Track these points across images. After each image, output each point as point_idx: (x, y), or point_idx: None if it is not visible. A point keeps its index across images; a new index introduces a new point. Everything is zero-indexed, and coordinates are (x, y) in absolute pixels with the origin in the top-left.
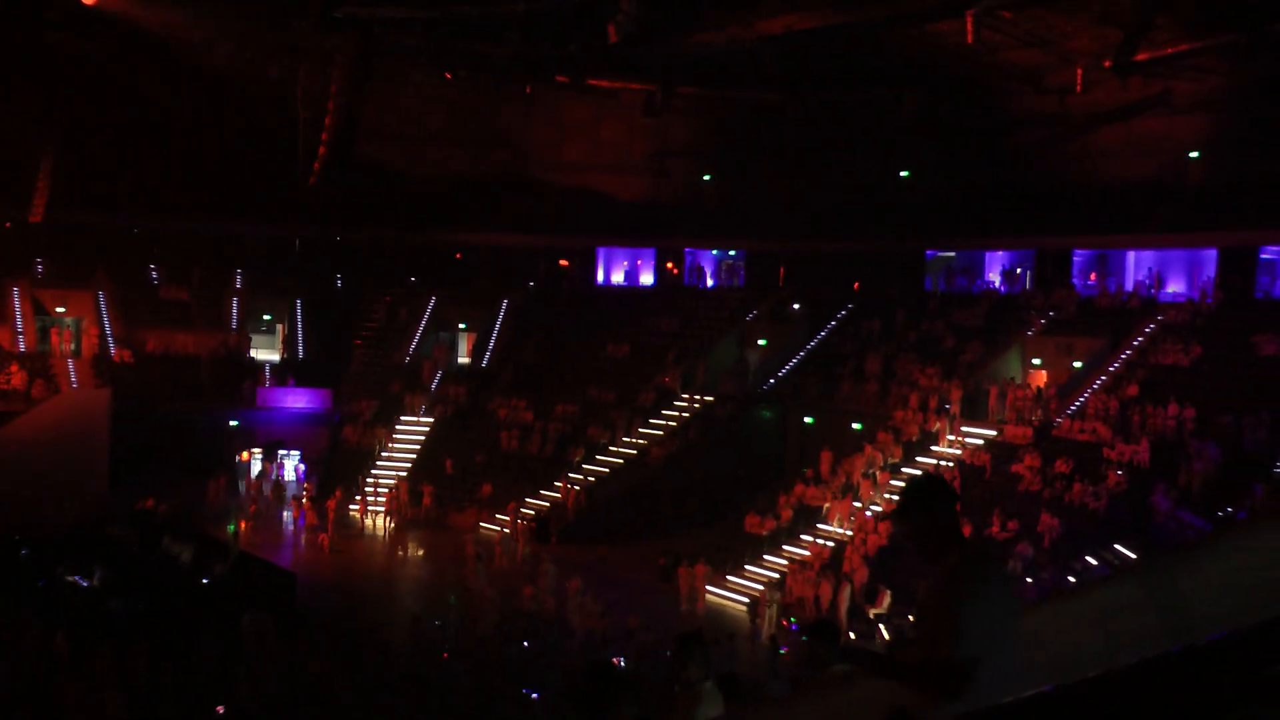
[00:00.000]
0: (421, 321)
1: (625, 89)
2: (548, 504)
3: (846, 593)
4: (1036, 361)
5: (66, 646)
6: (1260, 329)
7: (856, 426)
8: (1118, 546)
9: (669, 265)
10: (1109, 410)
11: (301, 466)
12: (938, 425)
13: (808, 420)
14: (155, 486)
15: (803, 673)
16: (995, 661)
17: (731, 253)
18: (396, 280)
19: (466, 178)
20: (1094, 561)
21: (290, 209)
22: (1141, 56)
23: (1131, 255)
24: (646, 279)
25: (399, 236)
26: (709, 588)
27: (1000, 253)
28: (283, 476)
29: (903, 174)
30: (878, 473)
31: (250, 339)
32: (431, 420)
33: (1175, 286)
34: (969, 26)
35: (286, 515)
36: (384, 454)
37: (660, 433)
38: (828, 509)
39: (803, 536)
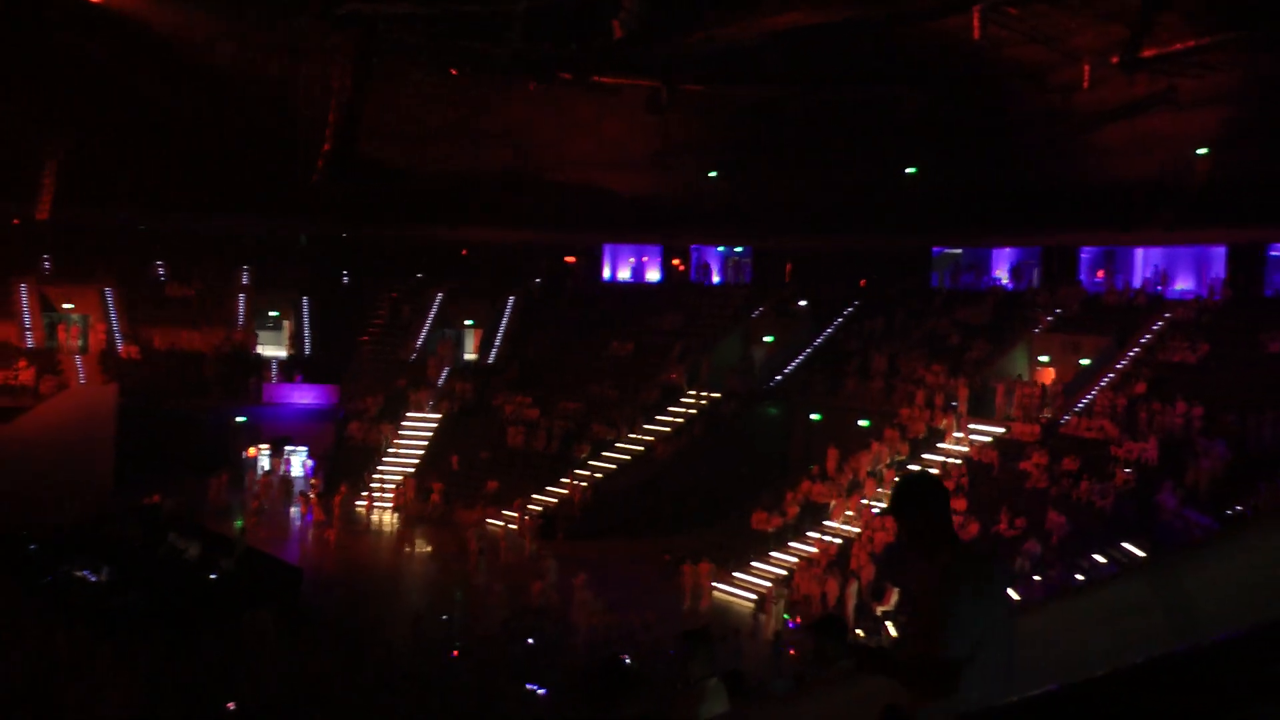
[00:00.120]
0: (427, 318)
1: (629, 86)
2: (554, 500)
3: (854, 590)
4: (1043, 359)
5: (73, 642)
6: (1269, 326)
7: (863, 423)
8: (1125, 545)
9: (675, 262)
10: (1116, 408)
11: (309, 462)
12: (944, 422)
13: (814, 417)
14: (161, 483)
15: (809, 669)
16: (986, 660)
17: (737, 249)
18: (402, 277)
19: (471, 175)
20: (1101, 560)
21: (296, 206)
22: (1148, 53)
23: (1139, 252)
24: (652, 276)
25: (404, 233)
26: (715, 584)
27: (1006, 249)
28: (289, 472)
29: (909, 170)
30: (884, 470)
31: (256, 335)
32: (438, 416)
33: (1183, 284)
34: (975, 23)
35: (294, 511)
36: (390, 450)
37: (666, 429)
38: (833, 506)
39: (809, 533)
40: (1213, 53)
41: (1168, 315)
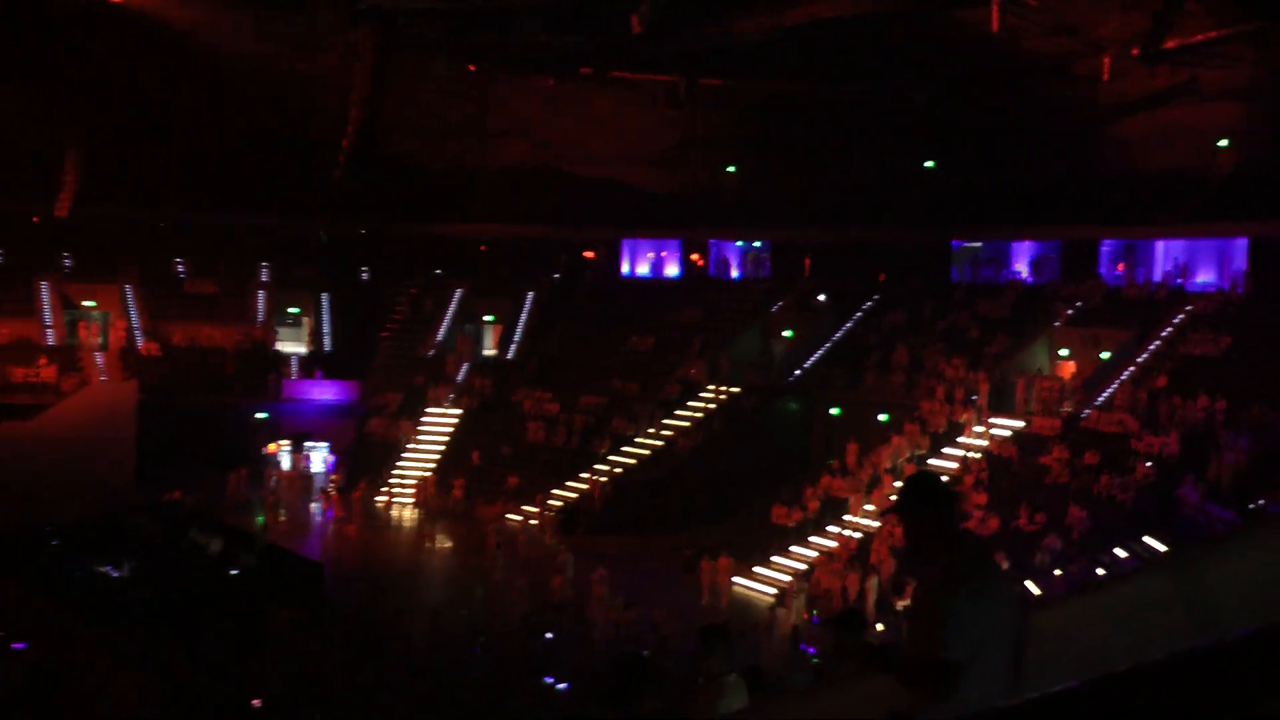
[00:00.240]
0: (447, 314)
1: (648, 81)
2: (574, 495)
3: (874, 584)
4: (1064, 352)
5: (94, 637)
6: None
7: (883, 418)
8: (1146, 539)
9: (694, 257)
10: (1137, 402)
11: (331, 458)
12: (964, 417)
13: (834, 412)
14: (181, 479)
15: (828, 663)
16: (987, 662)
17: (756, 244)
18: (422, 273)
19: (490, 170)
20: (1122, 554)
21: (315, 203)
22: (1169, 44)
23: (1160, 245)
24: (671, 271)
25: (424, 229)
26: (735, 579)
27: (1026, 243)
28: (309, 468)
29: (927, 164)
30: (904, 464)
31: (276, 332)
32: (458, 412)
33: (1205, 276)
34: (994, 14)
35: (314, 507)
36: (410, 446)
37: (685, 424)
38: (853, 501)
39: (829, 528)
40: (1234, 44)
41: (1189, 308)
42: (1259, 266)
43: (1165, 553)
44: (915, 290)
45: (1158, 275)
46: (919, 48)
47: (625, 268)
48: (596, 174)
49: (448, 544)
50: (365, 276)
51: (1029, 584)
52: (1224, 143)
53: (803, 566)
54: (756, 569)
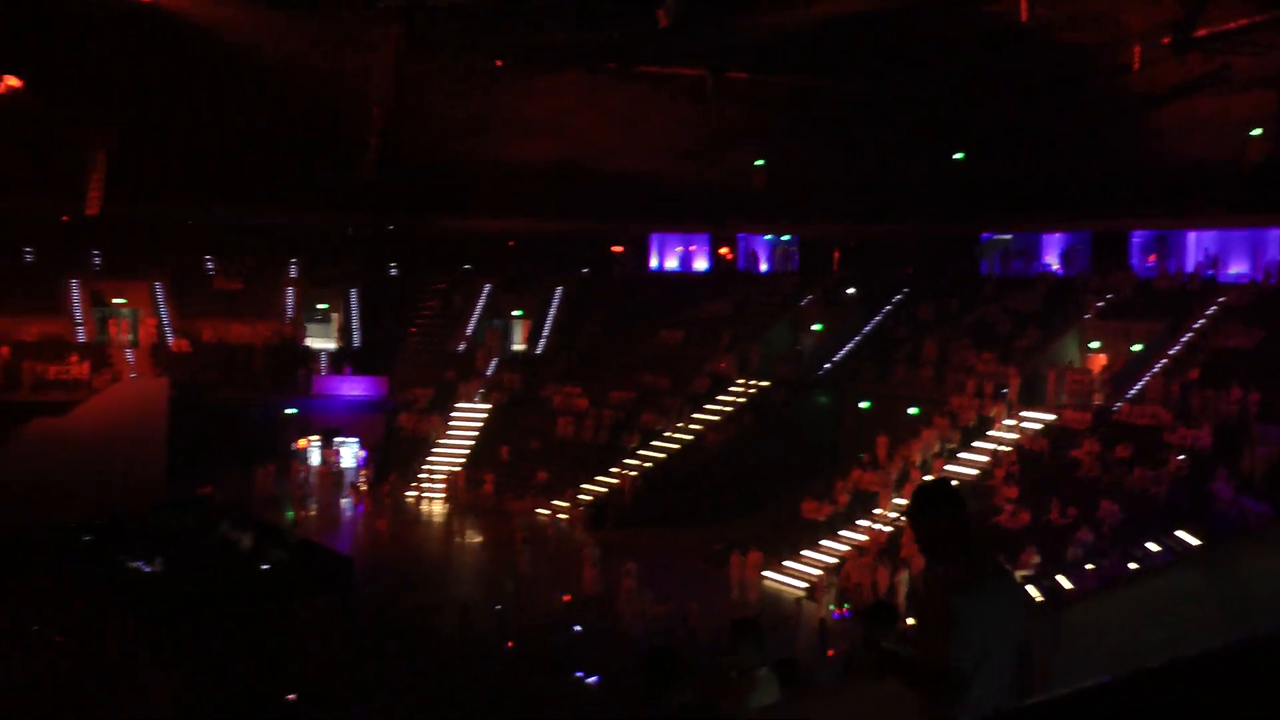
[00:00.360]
0: (476, 309)
1: (675, 75)
2: (604, 490)
3: (904, 578)
4: (1094, 345)
5: (127, 632)
6: None
7: (913, 411)
8: (1179, 533)
9: (723, 251)
10: (1169, 394)
11: (361, 453)
12: (995, 410)
13: (863, 405)
14: (211, 475)
15: (858, 657)
16: (994, 669)
17: (785, 237)
18: (450, 268)
19: (517, 165)
20: (1155, 548)
21: (343, 199)
22: (1201, 33)
23: (1191, 236)
24: (700, 265)
25: (452, 225)
26: (765, 573)
27: (1056, 235)
28: (339, 463)
29: (956, 156)
30: (934, 458)
31: (305, 328)
32: (487, 407)
33: (1238, 267)
34: (1023, 5)
35: (344, 502)
36: (440, 441)
37: (715, 418)
38: (883, 494)
39: (859, 522)
40: (1267, 31)
41: (1221, 299)
42: None
43: (1198, 546)
44: (945, 283)
45: (1189, 266)
46: (947, 40)
47: (654, 262)
48: (624, 169)
49: (477, 539)
50: (394, 272)
51: (1060, 578)
52: (1257, 131)
53: (833, 560)
54: (786, 563)
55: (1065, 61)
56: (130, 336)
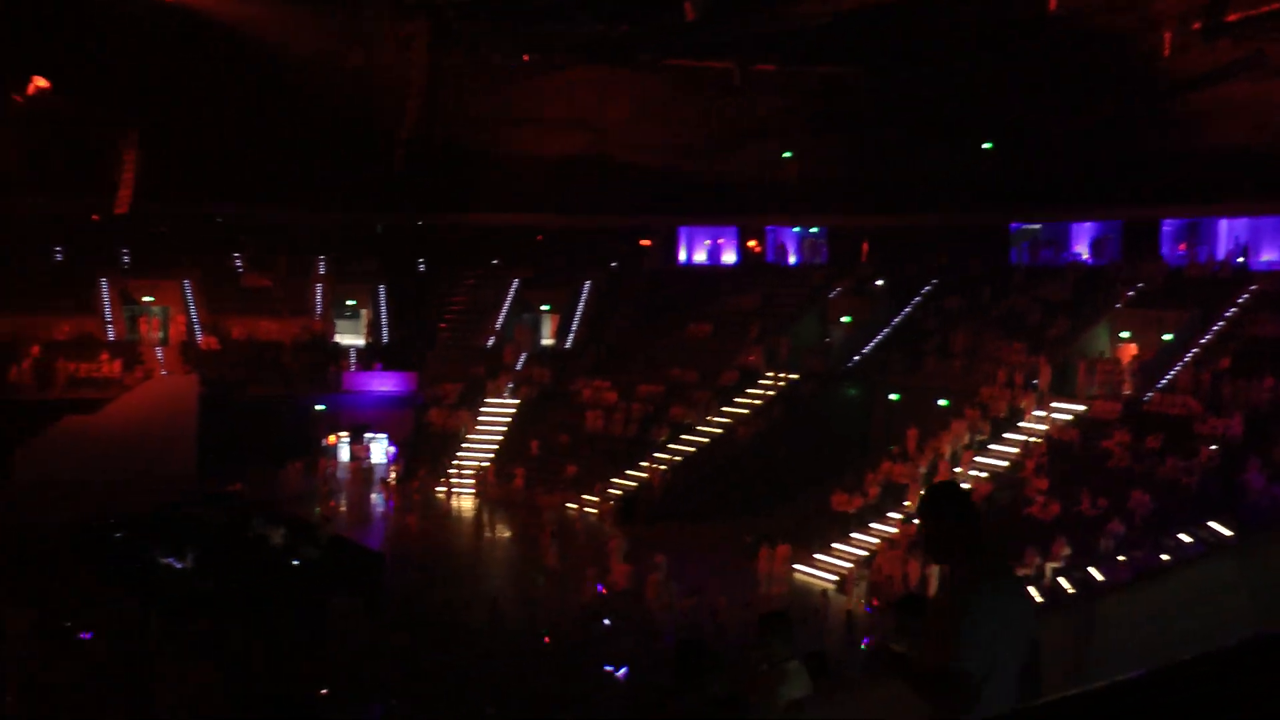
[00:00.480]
0: (504, 304)
1: (702, 67)
2: (633, 484)
3: (935, 571)
4: (1125, 335)
5: (161, 627)
6: None
7: (943, 403)
8: (1211, 524)
9: (751, 243)
10: (1201, 384)
11: (391, 449)
12: (1025, 401)
13: (893, 397)
14: (242, 471)
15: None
16: (1001, 672)
17: (813, 229)
18: (478, 264)
19: (545, 159)
20: (1187, 539)
21: (372, 195)
22: (1232, 17)
23: (1223, 224)
24: (728, 258)
25: (480, 220)
26: (795, 566)
27: (1086, 224)
28: (369, 459)
29: (985, 145)
30: (964, 450)
31: (334, 324)
32: (516, 402)
33: (1270, 255)
34: None
35: (375, 497)
36: (469, 436)
37: (744, 411)
38: (913, 487)
39: (890, 514)
40: None
41: (1254, 287)
42: None
43: (1231, 537)
44: (974, 274)
45: (1221, 254)
46: (975, 29)
47: (682, 255)
48: (652, 162)
49: (507, 533)
50: (422, 268)
51: (1092, 570)
52: None
53: (864, 553)
54: (817, 555)
55: (1094, 49)
56: (160, 334)
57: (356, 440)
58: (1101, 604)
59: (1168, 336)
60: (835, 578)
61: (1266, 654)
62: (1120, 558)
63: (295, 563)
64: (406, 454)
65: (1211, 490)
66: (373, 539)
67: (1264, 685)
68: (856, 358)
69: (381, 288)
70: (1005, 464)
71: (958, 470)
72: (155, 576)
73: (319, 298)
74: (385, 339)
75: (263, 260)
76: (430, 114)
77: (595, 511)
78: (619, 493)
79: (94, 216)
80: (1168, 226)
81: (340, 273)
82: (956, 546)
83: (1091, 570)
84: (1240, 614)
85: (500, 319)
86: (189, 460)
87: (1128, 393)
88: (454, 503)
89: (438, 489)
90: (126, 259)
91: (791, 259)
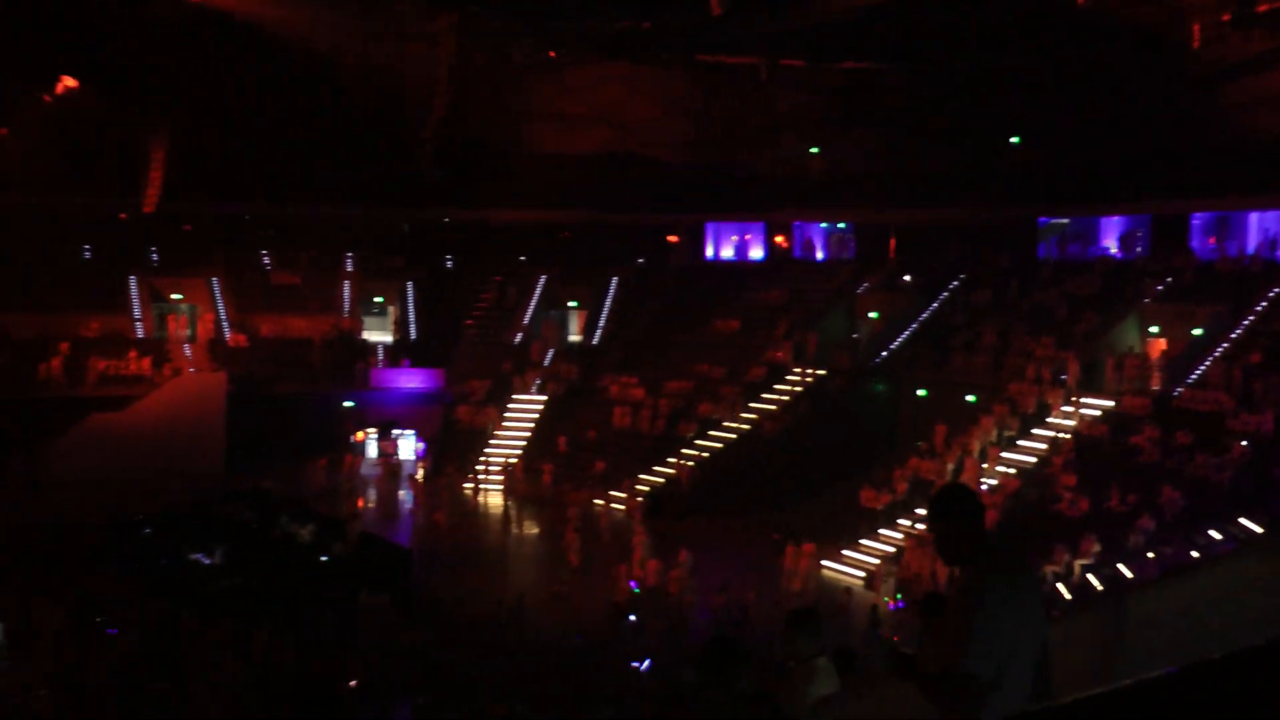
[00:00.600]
0: (532, 300)
1: (729, 63)
2: (661, 480)
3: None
4: (1154, 329)
5: (191, 622)
6: None
7: (971, 399)
8: (1242, 520)
9: (778, 239)
10: (1232, 379)
11: (419, 445)
12: (1053, 396)
13: (921, 393)
14: (270, 468)
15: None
16: (1012, 674)
17: (841, 225)
18: (505, 260)
19: (572, 156)
20: (1218, 536)
21: (399, 192)
22: (1263, 8)
23: (1253, 217)
24: (756, 253)
25: (507, 216)
26: (823, 562)
27: (1115, 218)
28: (398, 456)
29: (1013, 140)
30: (992, 446)
31: (362, 321)
32: (543, 399)
33: None
34: None
35: (403, 494)
36: (497, 433)
37: (772, 407)
38: (940, 483)
39: (918, 510)
40: None
41: None
42: None
43: (1262, 534)
44: (1002, 269)
45: (1251, 248)
46: (1003, 23)
47: (709, 251)
48: (678, 158)
49: (535, 530)
50: (450, 264)
51: (1121, 566)
52: None
53: (891, 549)
54: (845, 552)
55: (1123, 42)
56: (188, 331)
57: (384, 437)
58: (1131, 601)
59: (1197, 331)
60: (863, 574)
61: None
62: (1150, 554)
63: (324, 559)
64: (434, 450)
65: (1243, 486)
66: (401, 536)
67: None
68: (884, 353)
69: (409, 284)
70: (1034, 460)
71: (985, 466)
72: (184, 573)
73: (347, 294)
74: (413, 336)
75: (291, 257)
76: (457, 111)
77: (623, 508)
78: (647, 489)
79: (122, 215)
80: (1197, 220)
81: (368, 270)
82: (966, 547)
83: (1121, 567)
84: (1270, 611)
85: (528, 315)
86: (217, 457)
87: (1157, 388)
88: (482, 499)
89: (465, 485)
90: (155, 257)
91: (819, 254)
